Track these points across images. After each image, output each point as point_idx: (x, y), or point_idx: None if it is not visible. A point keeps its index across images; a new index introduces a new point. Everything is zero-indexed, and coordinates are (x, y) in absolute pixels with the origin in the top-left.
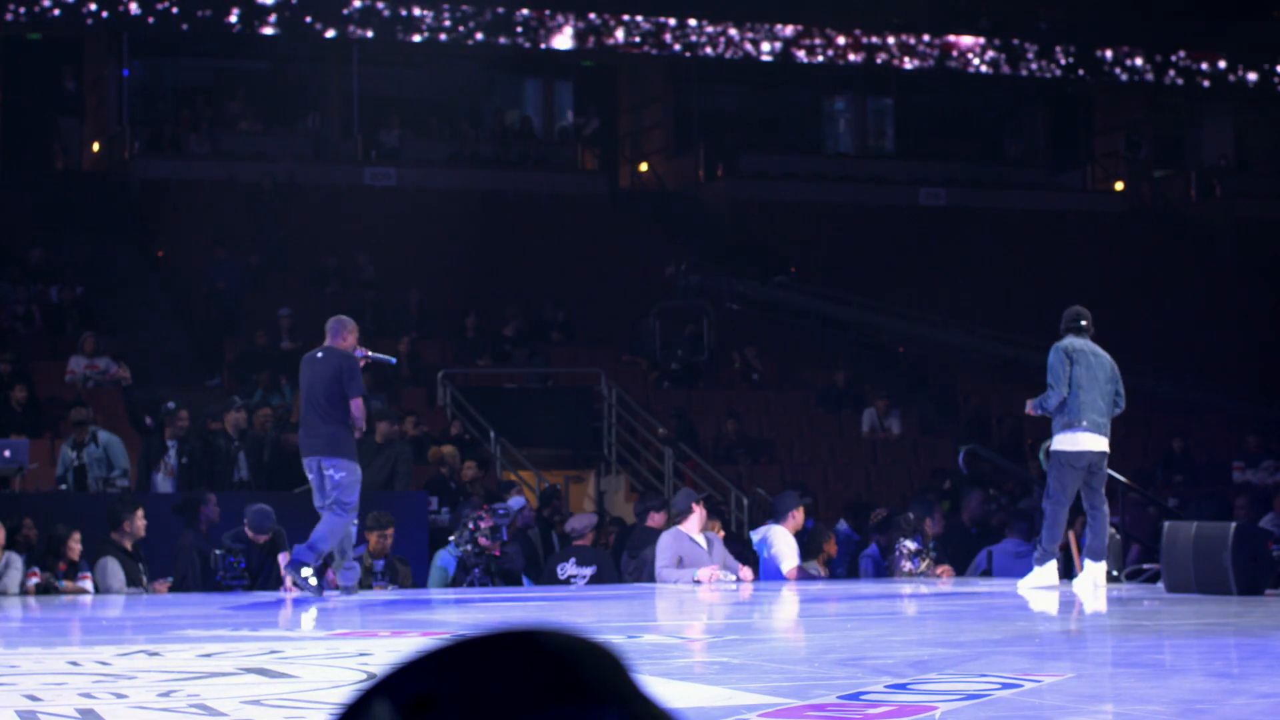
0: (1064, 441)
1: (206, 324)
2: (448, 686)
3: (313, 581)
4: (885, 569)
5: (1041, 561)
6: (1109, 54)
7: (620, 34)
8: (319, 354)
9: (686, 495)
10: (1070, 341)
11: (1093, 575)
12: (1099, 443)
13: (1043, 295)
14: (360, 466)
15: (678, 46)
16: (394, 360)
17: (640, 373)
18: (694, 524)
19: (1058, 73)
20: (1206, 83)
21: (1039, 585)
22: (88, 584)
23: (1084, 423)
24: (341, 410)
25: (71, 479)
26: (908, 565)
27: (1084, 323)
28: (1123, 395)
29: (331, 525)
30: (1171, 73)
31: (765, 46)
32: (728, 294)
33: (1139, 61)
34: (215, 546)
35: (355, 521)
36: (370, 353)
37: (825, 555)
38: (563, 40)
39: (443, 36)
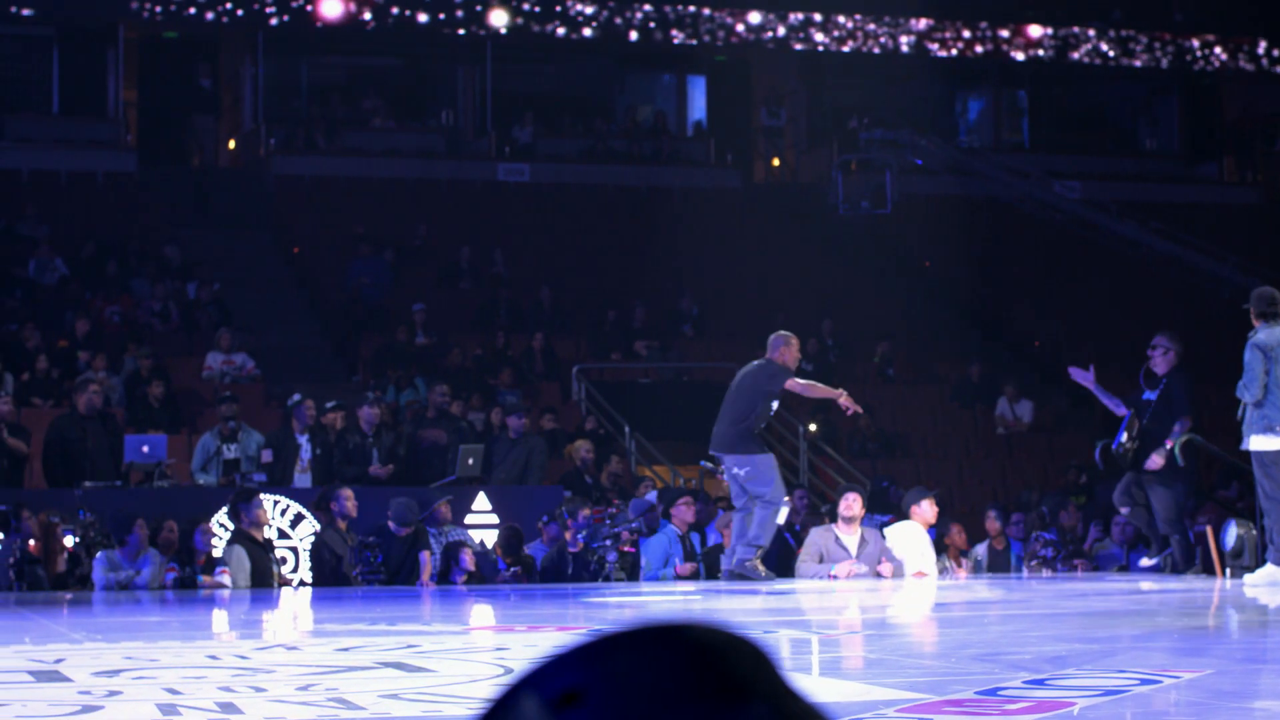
0: (1266, 442)
1: (342, 320)
2: (595, 681)
3: (761, 571)
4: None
5: (1276, 560)
6: (1244, 44)
7: (754, 28)
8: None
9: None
10: (1265, 336)
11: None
12: None
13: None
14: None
15: (814, 41)
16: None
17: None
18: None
19: (1191, 64)
20: None
21: (1271, 581)
22: (225, 579)
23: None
24: (746, 413)
25: (219, 470)
26: (1040, 560)
27: (1278, 308)
28: None
29: (759, 518)
30: None
31: (896, 41)
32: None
33: (1275, 51)
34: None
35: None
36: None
37: (956, 549)
38: (694, 35)
39: (561, 30)
